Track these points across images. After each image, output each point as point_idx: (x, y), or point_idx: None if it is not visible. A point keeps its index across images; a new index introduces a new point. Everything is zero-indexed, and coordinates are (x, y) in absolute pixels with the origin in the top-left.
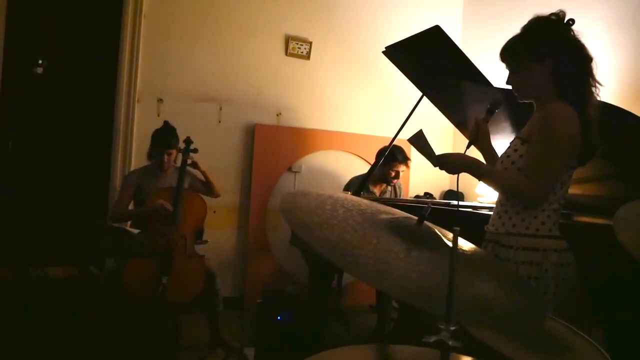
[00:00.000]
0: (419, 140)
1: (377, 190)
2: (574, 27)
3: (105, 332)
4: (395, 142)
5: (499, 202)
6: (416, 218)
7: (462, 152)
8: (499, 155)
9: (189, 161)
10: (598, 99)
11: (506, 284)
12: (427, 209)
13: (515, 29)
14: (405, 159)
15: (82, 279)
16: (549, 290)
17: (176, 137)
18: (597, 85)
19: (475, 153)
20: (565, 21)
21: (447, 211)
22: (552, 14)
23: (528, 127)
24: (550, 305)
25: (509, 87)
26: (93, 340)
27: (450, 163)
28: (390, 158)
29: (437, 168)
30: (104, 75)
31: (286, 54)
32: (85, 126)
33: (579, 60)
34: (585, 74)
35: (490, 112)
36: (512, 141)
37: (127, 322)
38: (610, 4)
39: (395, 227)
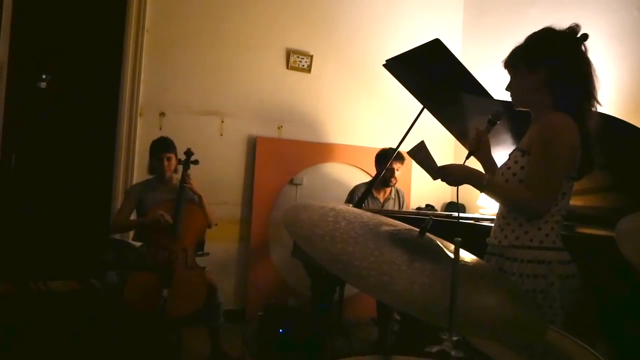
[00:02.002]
0: (420, 152)
1: (380, 197)
2: (586, 43)
3: (107, 345)
4: None
5: (500, 215)
6: (418, 230)
7: (462, 162)
8: (499, 167)
9: (188, 184)
10: (596, 115)
11: (508, 296)
12: (429, 221)
13: (515, 42)
14: (399, 157)
15: (84, 293)
16: (556, 303)
17: (173, 143)
18: (597, 104)
19: (474, 164)
20: (578, 35)
21: (448, 223)
22: (568, 27)
23: (527, 139)
24: (557, 318)
25: (507, 93)
26: (95, 354)
27: (451, 174)
28: (384, 157)
29: (438, 180)
30: (107, 90)
31: (287, 68)
32: (87, 140)
33: (577, 75)
34: (585, 90)
35: (492, 123)
36: (512, 153)
37: (128, 335)
38: (610, 15)
39: (397, 239)
